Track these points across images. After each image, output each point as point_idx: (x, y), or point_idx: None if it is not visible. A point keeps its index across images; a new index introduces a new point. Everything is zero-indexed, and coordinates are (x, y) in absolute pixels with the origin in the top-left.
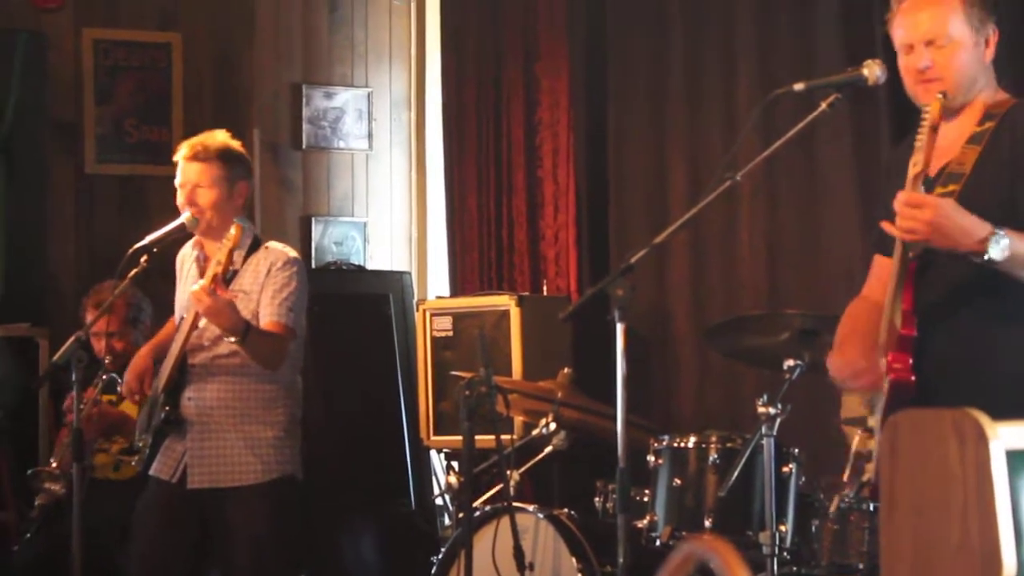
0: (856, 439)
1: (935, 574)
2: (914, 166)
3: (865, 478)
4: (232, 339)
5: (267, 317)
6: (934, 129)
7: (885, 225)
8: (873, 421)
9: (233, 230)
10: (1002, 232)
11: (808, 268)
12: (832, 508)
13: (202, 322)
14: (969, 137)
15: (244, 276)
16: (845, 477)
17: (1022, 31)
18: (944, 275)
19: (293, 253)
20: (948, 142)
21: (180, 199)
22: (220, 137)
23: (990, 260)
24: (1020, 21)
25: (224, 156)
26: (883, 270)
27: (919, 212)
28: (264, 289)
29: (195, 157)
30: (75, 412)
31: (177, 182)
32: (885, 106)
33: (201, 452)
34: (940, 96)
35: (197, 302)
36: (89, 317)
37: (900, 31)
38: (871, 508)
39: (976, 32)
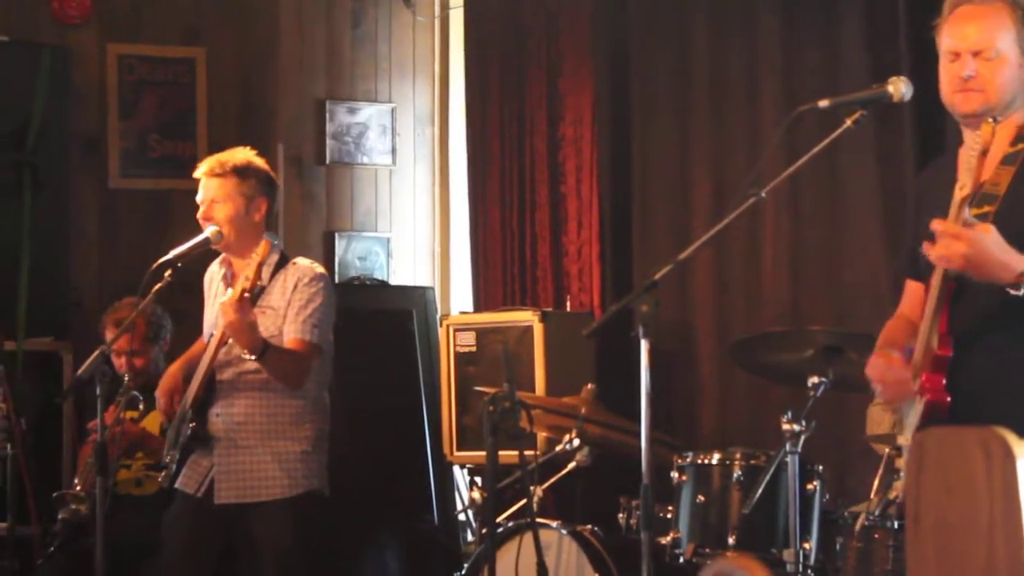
0: (884, 457)
1: None
2: (961, 189)
3: (893, 496)
4: (251, 357)
5: (290, 334)
6: (984, 154)
7: (926, 246)
8: (903, 440)
9: (262, 244)
10: None
11: (832, 285)
12: (858, 527)
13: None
14: (1003, 157)
15: (272, 293)
16: (873, 495)
17: None
18: (980, 298)
19: (320, 269)
20: (969, 164)
21: (199, 215)
22: (241, 154)
23: (1007, 320)
24: None
25: (241, 172)
26: (916, 294)
27: (955, 244)
28: (290, 305)
29: (211, 173)
30: (99, 425)
31: (197, 199)
32: (910, 123)
33: (228, 467)
34: (991, 121)
35: (223, 315)
36: (108, 334)
37: (948, 39)
38: (895, 526)
39: (1023, 52)
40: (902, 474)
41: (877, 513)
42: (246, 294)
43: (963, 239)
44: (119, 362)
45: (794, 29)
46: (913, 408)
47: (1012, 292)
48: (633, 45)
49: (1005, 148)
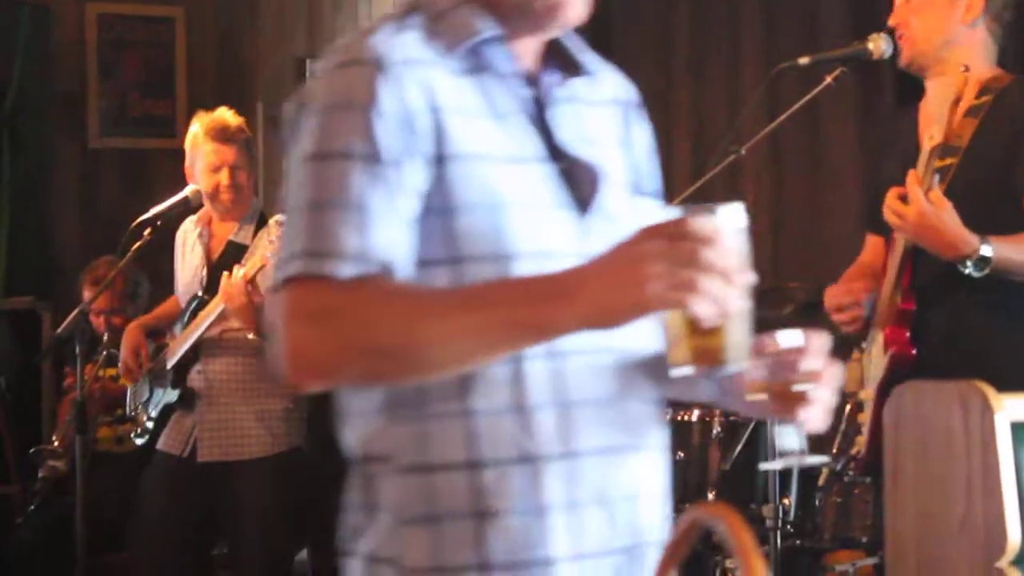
0: (846, 412)
1: (939, 547)
2: (930, 139)
3: (854, 452)
4: (252, 336)
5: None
6: (956, 103)
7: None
8: (865, 394)
9: (274, 225)
10: (988, 249)
11: (812, 241)
12: (821, 482)
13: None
14: (966, 110)
15: (255, 253)
16: (834, 450)
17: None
18: None
19: None
20: (939, 113)
21: (222, 180)
22: (235, 118)
23: (969, 275)
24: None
25: (249, 140)
26: (876, 247)
27: (906, 211)
28: (271, 260)
29: (232, 138)
30: (79, 384)
31: (208, 162)
32: (890, 80)
33: (211, 425)
34: (963, 69)
35: (228, 299)
36: (87, 294)
37: None
38: (870, 480)
39: None
40: (864, 429)
41: (839, 468)
42: (258, 277)
43: (909, 213)
44: (98, 321)
45: None
46: (873, 363)
47: (959, 267)
48: (614, 3)
49: (970, 101)
